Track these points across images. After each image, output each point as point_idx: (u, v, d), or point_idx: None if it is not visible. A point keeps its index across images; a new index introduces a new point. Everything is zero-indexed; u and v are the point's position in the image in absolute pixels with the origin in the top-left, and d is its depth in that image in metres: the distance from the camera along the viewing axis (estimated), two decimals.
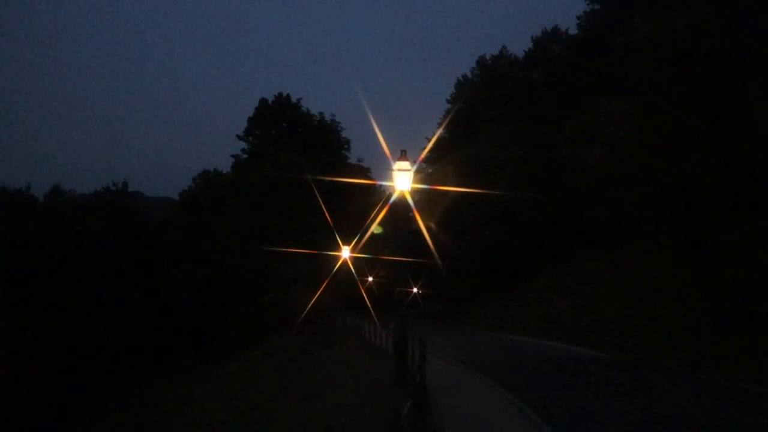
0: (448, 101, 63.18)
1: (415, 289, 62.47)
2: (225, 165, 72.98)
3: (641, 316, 27.05)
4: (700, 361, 19.69)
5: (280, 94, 64.68)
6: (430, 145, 56.82)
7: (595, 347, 25.66)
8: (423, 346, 14.14)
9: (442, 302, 59.72)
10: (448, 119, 58.47)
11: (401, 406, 7.29)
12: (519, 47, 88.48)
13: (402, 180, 16.75)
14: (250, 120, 64.63)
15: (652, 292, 28.39)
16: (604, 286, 33.05)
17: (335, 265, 40.41)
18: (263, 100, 64.79)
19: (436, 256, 41.42)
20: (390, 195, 17.74)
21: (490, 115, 51.88)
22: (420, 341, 14.51)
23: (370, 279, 53.14)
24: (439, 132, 58.28)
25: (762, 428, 11.73)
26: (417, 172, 62.95)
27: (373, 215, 35.79)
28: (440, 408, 13.16)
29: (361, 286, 42.09)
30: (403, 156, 16.75)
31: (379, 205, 30.98)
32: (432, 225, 47.23)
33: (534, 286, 42.25)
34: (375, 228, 43.32)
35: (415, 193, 61.64)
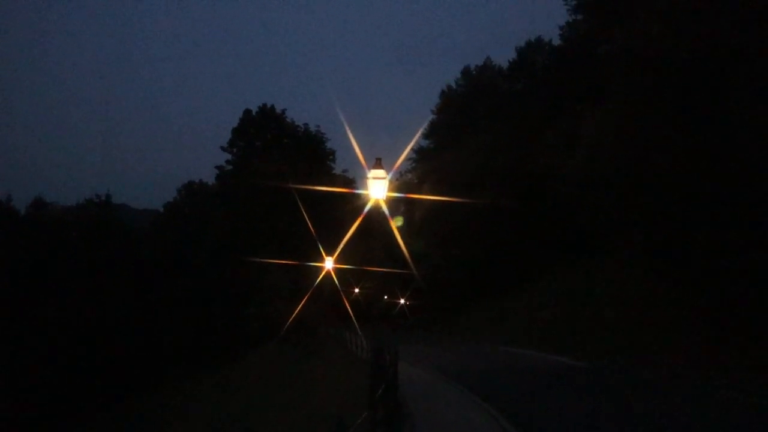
0: (433, 112, 63.22)
1: (402, 300, 62.25)
2: (210, 177, 72.52)
3: (624, 324, 26.98)
4: (683, 368, 19.61)
5: (264, 105, 64.45)
6: (405, 152, 56.54)
7: (577, 356, 25.55)
8: (395, 360, 14.00)
9: (428, 313, 59.50)
10: (421, 130, 58.54)
11: (359, 416, 7.11)
12: (504, 57, 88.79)
13: (377, 188, 16.57)
14: (234, 131, 64.28)
15: (635, 300, 28.35)
16: (586, 295, 33.02)
17: (319, 276, 40.16)
18: (247, 111, 64.50)
19: (412, 266, 41.28)
20: (365, 204, 17.51)
21: (475, 125, 51.99)
22: (394, 355, 14.36)
23: (357, 290, 52.85)
24: (414, 140, 58.11)
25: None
26: (401, 181, 62.71)
27: (354, 226, 35.61)
28: (413, 417, 12.97)
29: (344, 297, 41.81)
30: (377, 164, 16.56)
31: (362, 216, 30.78)
32: (412, 234, 47.07)
33: (518, 295, 42.23)
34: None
35: (401, 202, 61.67)
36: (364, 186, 15.64)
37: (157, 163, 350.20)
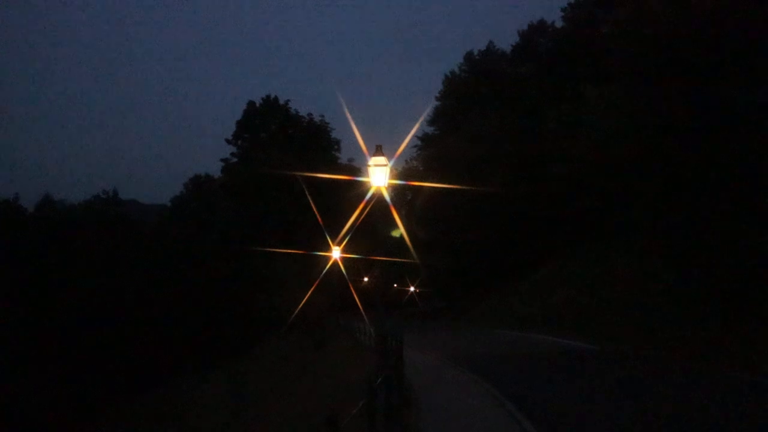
0: (436, 98, 62.83)
1: (412, 288, 62.27)
2: (216, 170, 72.51)
3: (634, 308, 26.81)
4: (693, 352, 19.43)
5: (268, 97, 64.20)
6: (407, 139, 56.40)
7: (588, 340, 25.41)
8: (400, 346, 13.93)
9: (440, 300, 59.55)
10: (424, 116, 58.24)
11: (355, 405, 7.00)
12: (506, 42, 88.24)
13: (378, 176, 16.37)
14: (239, 123, 64.11)
15: (644, 283, 28.14)
16: (597, 279, 32.84)
17: (326, 266, 40.08)
18: (251, 103, 64.29)
19: (414, 255, 41.21)
20: (367, 191, 17.36)
21: (479, 110, 51.64)
22: (398, 341, 14.28)
23: (366, 279, 52.81)
24: (417, 126, 57.84)
25: (752, 417, 11.44)
26: (406, 168, 62.20)
27: (355, 214, 35.47)
28: (419, 404, 12.88)
29: (351, 287, 41.74)
30: (378, 151, 16.34)
31: (363, 204, 30.61)
32: (418, 221, 46.89)
33: (529, 280, 42.10)
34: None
35: (407, 189, 61.45)
36: (367, 174, 15.42)
37: (167, 158, 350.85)
